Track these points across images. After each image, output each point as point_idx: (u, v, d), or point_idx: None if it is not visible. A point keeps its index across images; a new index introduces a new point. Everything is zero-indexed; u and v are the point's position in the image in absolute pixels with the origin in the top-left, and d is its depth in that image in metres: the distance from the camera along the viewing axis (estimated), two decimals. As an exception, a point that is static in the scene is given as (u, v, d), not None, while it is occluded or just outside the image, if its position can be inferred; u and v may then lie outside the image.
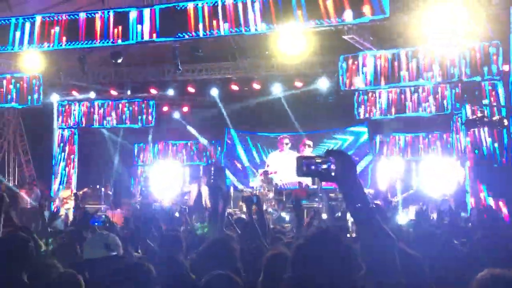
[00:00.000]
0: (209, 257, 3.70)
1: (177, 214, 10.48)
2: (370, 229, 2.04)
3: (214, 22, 10.22)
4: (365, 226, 2.06)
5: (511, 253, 3.46)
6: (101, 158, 17.06)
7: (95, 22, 10.91)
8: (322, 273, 2.05)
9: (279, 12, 9.87)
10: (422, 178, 14.18)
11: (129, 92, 16.06)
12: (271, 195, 12.32)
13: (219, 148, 17.13)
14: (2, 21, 11.58)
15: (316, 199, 11.84)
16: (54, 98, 15.58)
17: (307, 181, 12.18)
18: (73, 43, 11.10)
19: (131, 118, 15.84)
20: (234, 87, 14.86)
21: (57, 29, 11.11)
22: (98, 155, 17.10)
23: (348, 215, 6.55)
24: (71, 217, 11.64)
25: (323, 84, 14.11)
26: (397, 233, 2.20)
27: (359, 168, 14.98)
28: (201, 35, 10.37)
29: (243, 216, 8.10)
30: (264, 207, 9.94)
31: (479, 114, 10.36)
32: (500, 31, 10.10)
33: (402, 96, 13.47)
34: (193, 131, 17.16)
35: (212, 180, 14.19)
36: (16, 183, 16.36)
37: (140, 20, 10.71)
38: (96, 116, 16.00)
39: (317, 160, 2.13)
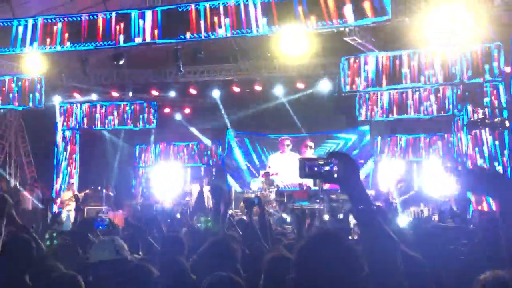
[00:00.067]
0: (210, 258, 3.70)
1: (178, 216, 10.47)
2: (372, 230, 2.04)
3: (216, 24, 10.23)
4: (367, 228, 2.06)
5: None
6: (103, 159, 17.07)
7: (97, 24, 10.93)
8: (324, 274, 2.06)
9: (280, 13, 9.87)
10: (423, 179, 14.17)
11: (130, 94, 16.08)
12: (272, 196, 12.32)
13: (220, 148, 17.14)
14: (4, 23, 11.60)
15: (317, 201, 11.85)
16: (56, 99, 15.61)
17: (308, 182, 12.19)
18: (75, 45, 11.12)
19: (133, 120, 15.86)
20: (236, 89, 14.84)
21: (59, 31, 11.13)
22: (100, 156, 17.11)
23: (351, 217, 6.54)
24: (72, 219, 11.62)
25: (324, 85, 14.11)
26: (398, 234, 2.20)
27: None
28: (203, 36, 10.38)
29: (244, 217, 8.09)
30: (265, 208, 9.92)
31: (481, 116, 10.35)
32: (501, 33, 10.11)
33: (404, 96, 13.47)
34: (195, 132, 17.18)
35: (213, 180, 14.24)
36: (18, 184, 16.38)
37: (142, 22, 10.73)
38: (97, 117, 16.02)
39: (319, 162, 2.13)
